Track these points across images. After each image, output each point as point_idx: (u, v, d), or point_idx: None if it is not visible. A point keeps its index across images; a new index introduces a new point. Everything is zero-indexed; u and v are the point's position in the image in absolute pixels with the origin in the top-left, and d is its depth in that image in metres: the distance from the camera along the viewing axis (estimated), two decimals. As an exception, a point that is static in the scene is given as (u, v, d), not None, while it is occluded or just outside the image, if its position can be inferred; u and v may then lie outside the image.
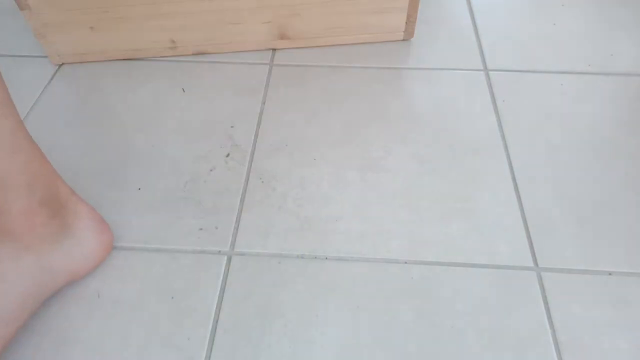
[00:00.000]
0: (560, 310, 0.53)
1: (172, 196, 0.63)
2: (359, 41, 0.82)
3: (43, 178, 0.49)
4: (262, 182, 0.65)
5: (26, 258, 0.49)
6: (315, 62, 0.80)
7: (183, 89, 0.75)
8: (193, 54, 0.81)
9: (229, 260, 0.58)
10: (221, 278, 0.56)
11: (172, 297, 0.55)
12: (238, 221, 0.61)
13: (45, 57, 0.80)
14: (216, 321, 0.53)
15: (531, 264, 0.57)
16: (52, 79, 0.78)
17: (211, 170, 0.66)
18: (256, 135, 0.70)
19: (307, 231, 0.60)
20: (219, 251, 0.58)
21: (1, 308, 0.47)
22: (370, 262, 0.57)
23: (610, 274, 0.56)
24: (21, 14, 0.72)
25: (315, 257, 0.58)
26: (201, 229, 0.60)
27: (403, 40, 0.83)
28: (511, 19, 0.87)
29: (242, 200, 0.63)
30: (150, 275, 0.56)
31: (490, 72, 0.78)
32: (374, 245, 0.59)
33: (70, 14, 0.73)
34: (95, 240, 0.55)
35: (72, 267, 0.53)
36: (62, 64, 0.80)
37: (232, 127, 0.71)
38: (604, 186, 0.64)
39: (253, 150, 0.68)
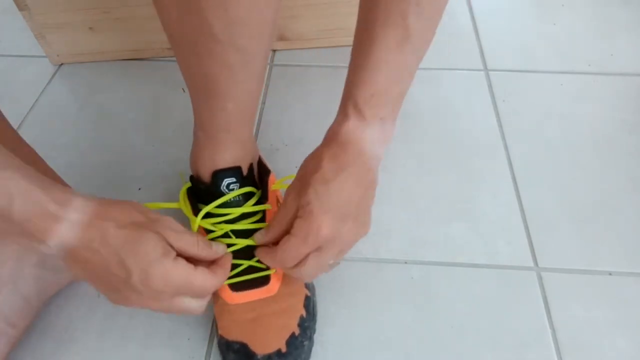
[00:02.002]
0: (560, 310, 0.53)
1: (173, 196, 0.63)
2: (359, 41, 0.82)
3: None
4: (262, 182, 0.64)
5: (29, 258, 0.49)
6: (315, 62, 0.80)
7: (183, 89, 0.75)
8: (193, 54, 0.81)
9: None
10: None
11: (172, 297, 0.55)
12: (238, 221, 0.61)
13: (45, 57, 0.79)
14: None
15: (531, 264, 0.57)
16: (51, 79, 0.78)
17: (211, 170, 0.66)
18: (256, 135, 0.70)
19: (307, 231, 0.60)
20: (219, 251, 0.58)
21: (7, 309, 0.47)
22: (370, 262, 0.57)
23: (610, 274, 0.56)
24: (20, 14, 0.72)
25: (315, 257, 0.58)
26: (201, 229, 0.60)
27: (403, 40, 0.83)
28: (511, 19, 0.87)
29: (242, 200, 0.63)
30: (150, 275, 0.56)
31: (490, 72, 0.78)
32: (374, 245, 0.59)
33: (69, 15, 0.73)
34: None
35: None
36: (62, 64, 0.80)
37: (232, 127, 0.71)
38: (604, 186, 0.64)
39: (253, 150, 0.68)
